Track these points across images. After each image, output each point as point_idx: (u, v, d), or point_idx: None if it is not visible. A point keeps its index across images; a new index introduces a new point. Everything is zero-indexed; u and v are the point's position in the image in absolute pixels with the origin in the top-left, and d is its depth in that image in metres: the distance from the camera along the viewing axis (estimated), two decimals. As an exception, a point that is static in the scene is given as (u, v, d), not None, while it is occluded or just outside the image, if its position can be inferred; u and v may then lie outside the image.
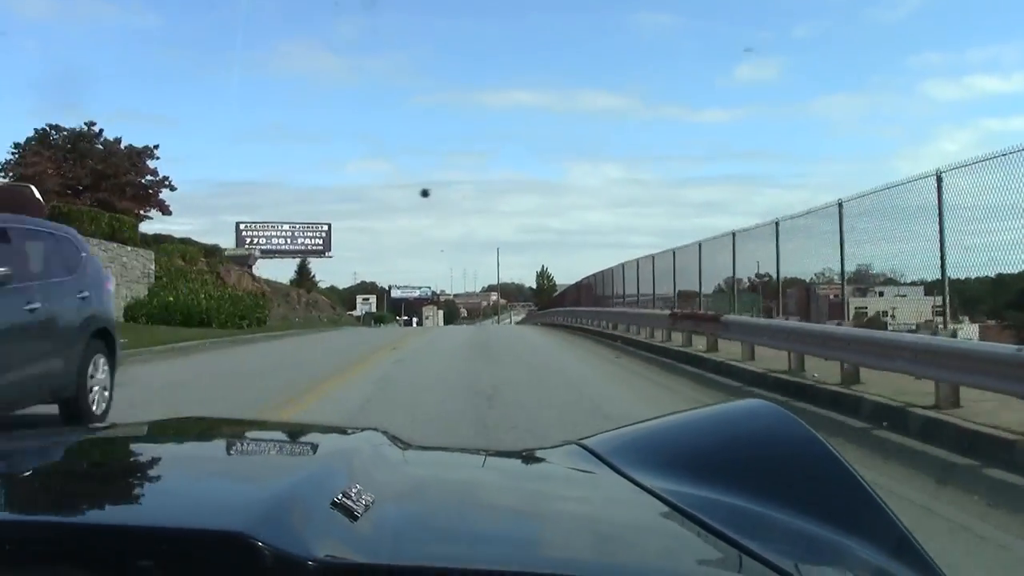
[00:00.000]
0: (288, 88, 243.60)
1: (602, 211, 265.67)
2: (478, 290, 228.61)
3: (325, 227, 63.39)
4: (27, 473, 1.18)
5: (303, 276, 63.05)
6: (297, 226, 62.67)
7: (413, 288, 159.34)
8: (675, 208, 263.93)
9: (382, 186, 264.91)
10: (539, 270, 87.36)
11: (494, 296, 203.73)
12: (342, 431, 1.74)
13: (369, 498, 0.94)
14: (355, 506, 0.91)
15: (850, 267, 12.96)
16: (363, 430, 1.41)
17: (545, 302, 67.75)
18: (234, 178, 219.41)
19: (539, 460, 1.38)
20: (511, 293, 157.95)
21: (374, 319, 72.87)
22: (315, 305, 55.55)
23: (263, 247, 59.61)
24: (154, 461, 1.25)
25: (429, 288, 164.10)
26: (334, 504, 0.90)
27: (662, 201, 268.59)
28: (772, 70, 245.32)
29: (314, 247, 62.28)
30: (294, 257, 63.41)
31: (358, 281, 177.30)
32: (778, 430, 1.24)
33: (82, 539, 0.80)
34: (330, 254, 63.30)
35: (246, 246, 57.85)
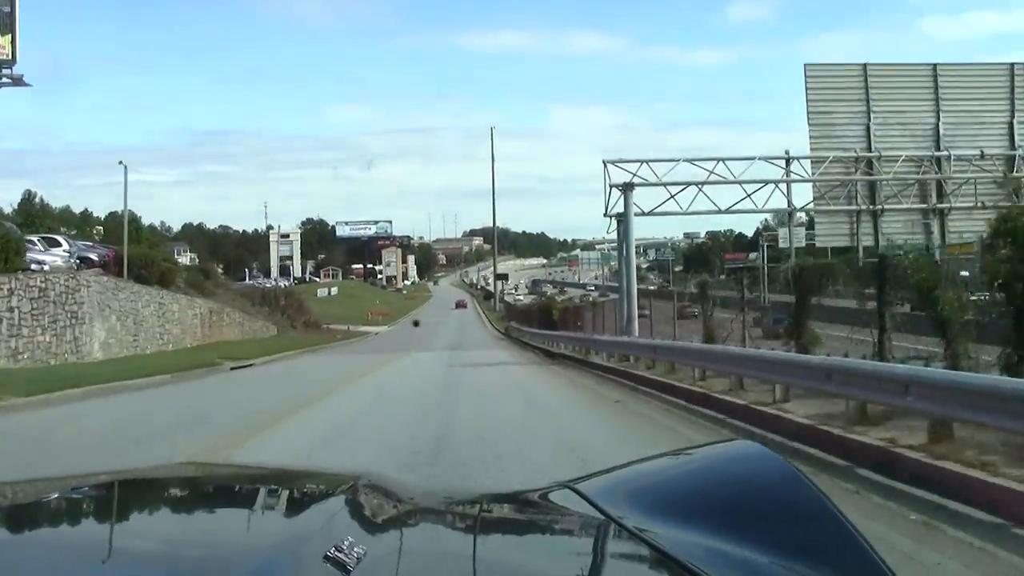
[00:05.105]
0: (266, 31, 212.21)
1: (586, 156, 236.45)
2: (459, 235, 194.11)
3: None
4: (17, 529, 1.16)
5: None
6: None
7: (366, 224, 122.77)
8: (663, 153, 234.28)
9: (363, 134, 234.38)
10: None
11: (477, 241, 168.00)
12: (332, 478, 1.72)
13: (361, 551, 0.96)
14: (347, 559, 0.92)
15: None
16: (353, 477, 1.44)
17: None
18: (210, 127, 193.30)
19: (531, 505, 1.43)
20: (497, 238, 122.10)
21: None
22: None
23: None
24: (143, 513, 1.32)
25: (389, 224, 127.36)
26: (326, 558, 0.92)
27: (649, 147, 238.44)
28: (765, 8, 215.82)
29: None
30: None
31: (306, 219, 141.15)
32: (766, 472, 1.28)
33: None
34: (18, 73, 27.04)
35: None
